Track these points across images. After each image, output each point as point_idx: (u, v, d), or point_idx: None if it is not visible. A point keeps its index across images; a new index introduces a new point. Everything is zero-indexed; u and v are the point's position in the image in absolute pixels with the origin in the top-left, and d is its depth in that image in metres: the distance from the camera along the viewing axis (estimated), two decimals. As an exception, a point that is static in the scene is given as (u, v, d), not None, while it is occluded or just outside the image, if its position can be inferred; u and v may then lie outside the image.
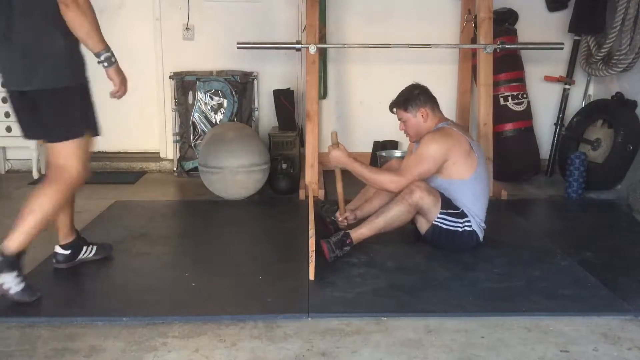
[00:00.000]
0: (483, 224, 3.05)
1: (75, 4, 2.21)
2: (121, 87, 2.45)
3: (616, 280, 2.73)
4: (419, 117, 3.09)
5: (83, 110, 2.43)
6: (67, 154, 2.40)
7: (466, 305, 2.48)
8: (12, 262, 2.35)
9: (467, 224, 2.99)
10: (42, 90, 2.32)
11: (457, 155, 2.97)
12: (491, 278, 2.76)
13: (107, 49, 2.36)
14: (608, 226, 3.67)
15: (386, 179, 3.01)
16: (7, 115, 4.56)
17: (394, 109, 3.17)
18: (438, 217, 2.95)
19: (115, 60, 2.39)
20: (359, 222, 3.07)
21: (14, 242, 2.36)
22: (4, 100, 4.53)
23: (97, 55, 2.34)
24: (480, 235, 3.04)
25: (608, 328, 2.31)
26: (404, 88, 3.19)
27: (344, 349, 2.14)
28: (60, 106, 2.36)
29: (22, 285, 2.38)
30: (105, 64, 2.36)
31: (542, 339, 2.22)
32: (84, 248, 2.86)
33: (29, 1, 2.26)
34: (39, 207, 2.38)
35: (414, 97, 3.10)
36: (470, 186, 3.00)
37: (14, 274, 2.35)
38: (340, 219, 3.23)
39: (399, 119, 3.16)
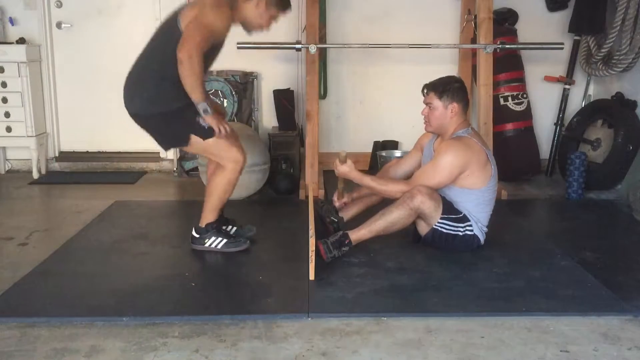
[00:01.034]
0: (485, 228, 3.05)
1: (189, 64, 2.70)
2: (218, 127, 2.85)
3: (616, 280, 2.73)
4: (448, 110, 2.98)
5: (180, 125, 2.89)
6: (207, 153, 3.02)
7: (466, 305, 2.49)
8: (212, 230, 3.02)
9: (468, 227, 2.98)
10: (137, 114, 2.91)
11: (473, 167, 2.92)
12: (491, 278, 2.76)
13: (201, 103, 2.79)
14: (608, 226, 3.68)
15: (397, 190, 2.97)
16: (7, 115, 4.57)
17: (427, 92, 3.03)
18: (438, 222, 2.94)
19: (210, 111, 2.81)
20: (358, 220, 3.06)
21: (204, 218, 3.03)
22: (4, 101, 4.55)
23: (196, 104, 2.79)
24: (482, 238, 3.03)
25: (608, 328, 2.31)
26: (444, 76, 3.08)
27: (344, 349, 2.14)
28: (155, 125, 2.94)
29: (224, 241, 3.03)
30: (202, 112, 2.80)
31: (542, 339, 2.22)
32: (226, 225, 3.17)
33: (141, 55, 2.96)
34: (214, 189, 3.01)
35: (453, 88, 3.00)
36: (479, 195, 2.98)
37: (217, 237, 3.03)
38: (337, 203, 3.23)
39: (427, 103, 3.03)
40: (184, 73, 2.72)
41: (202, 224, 3.02)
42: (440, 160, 2.94)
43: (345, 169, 3.05)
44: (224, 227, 3.12)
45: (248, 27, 2.96)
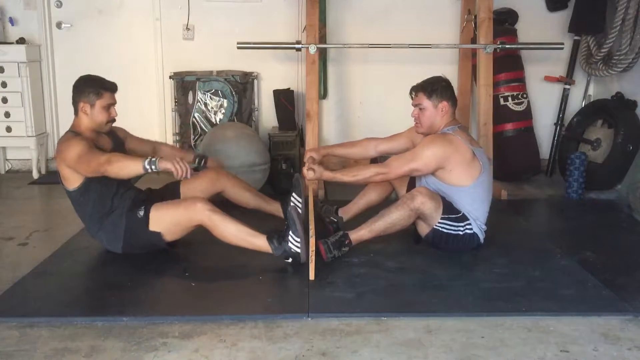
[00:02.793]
0: (484, 226, 3.05)
1: (109, 167, 2.69)
2: (178, 170, 2.70)
3: (616, 280, 2.73)
4: (438, 109, 3.00)
5: (139, 233, 2.91)
6: (174, 222, 2.92)
7: (466, 305, 2.49)
8: (276, 241, 2.82)
9: (467, 226, 2.98)
10: (126, 253, 2.98)
11: (454, 163, 2.92)
12: (491, 278, 2.76)
13: (143, 162, 2.70)
14: (608, 226, 3.67)
15: (372, 173, 2.99)
16: (7, 115, 4.57)
17: (416, 93, 3.06)
18: (439, 223, 2.94)
19: (155, 164, 2.69)
20: (358, 220, 3.05)
21: (259, 250, 2.86)
22: (4, 101, 4.55)
23: (144, 170, 2.72)
24: (481, 237, 3.03)
25: (608, 328, 2.31)
26: (430, 77, 3.10)
27: (344, 349, 2.14)
28: (136, 243, 2.97)
29: (291, 238, 2.81)
30: (153, 167, 2.70)
31: (542, 339, 2.22)
32: (291, 201, 3.11)
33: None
34: (226, 239, 2.85)
35: (441, 87, 3.02)
36: (469, 192, 2.97)
37: (285, 242, 2.81)
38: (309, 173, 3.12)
39: (416, 105, 3.05)
40: (114, 172, 2.72)
41: (269, 251, 2.82)
42: (419, 149, 2.96)
43: (313, 176, 3.04)
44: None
45: (104, 127, 2.96)
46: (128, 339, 2.19)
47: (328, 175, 3.04)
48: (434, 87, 3.02)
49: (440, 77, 3.10)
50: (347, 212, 3.31)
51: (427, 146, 2.94)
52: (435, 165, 2.93)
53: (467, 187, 2.97)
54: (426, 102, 3.02)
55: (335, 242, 2.89)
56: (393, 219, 2.91)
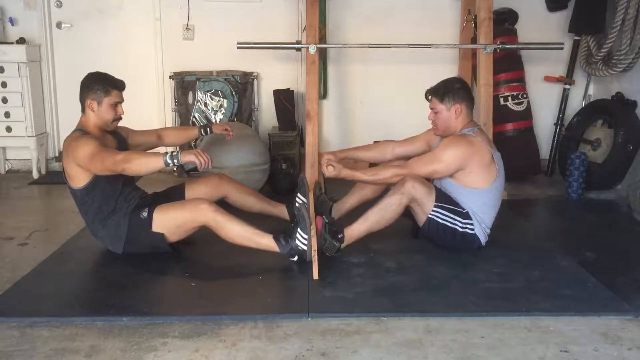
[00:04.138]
0: (488, 230, 3.05)
1: (126, 165, 2.68)
2: (200, 160, 2.71)
3: (616, 280, 2.73)
4: (451, 112, 3.01)
5: (142, 232, 2.90)
6: (178, 224, 2.91)
7: (466, 305, 2.49)
8: (282, 241, 2.83)
9: (468, 226, 2.98)
10: (127, 253, 2.96)
11: (474, 165, 2.93)
12: (491, 278, 2.76)
13: (164, 157, 2.69)
14: (608, 226, 3.68)
15: (391, 174, 2.98)
16: (7, 115, 4.58)
17: (429, 97, 3.08)
18: (433, 210, 2.94)
19: (177, 157, 2.71)
20: (352, 219, 3.05)
21: (266, 249, 2.87)
22: (4, 101, 4.55)
23: (166, 164, 2.71)
24: (483, 240, 3.03)
25: (608, 328, 2.31)
26: (445, 78, 3.11)
27: (344, 349, 2.14)
28: (139, 241, 2.94)
29: (298, 235, 2.82)
30: (175, 161, 2.71)
31: (542, 339, 2.22)
32: (296, 202, 3.15)
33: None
34: (231, 239, 2.86)
35: (453, 90, 3.02)
36: (483, 195, 2.98)
37: (290, 241, 2.83)
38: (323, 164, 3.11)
39: (432, 108, 3.07)
40: (133, 170, 2.72)
41: (277, 250, 2.82)
42: (440, 151, 2.96)
43: (333, 172, 3.02)
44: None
45: (110, 125, 2.96)
46: (128, 339, 2.20)
47: (347, 173, 3.02)
48: (447, 90, 3.02)
49: (454, 78, 3.11)
50: (338, 211, 3.31)
51: (448, 147, 2.94)
52: (456, 166, 2.93)
53: (482, 190, 2.97)
54: (439, 106, 3.03)
55: (331, 230, 2.88)
56: (384, 204, 2.91)
